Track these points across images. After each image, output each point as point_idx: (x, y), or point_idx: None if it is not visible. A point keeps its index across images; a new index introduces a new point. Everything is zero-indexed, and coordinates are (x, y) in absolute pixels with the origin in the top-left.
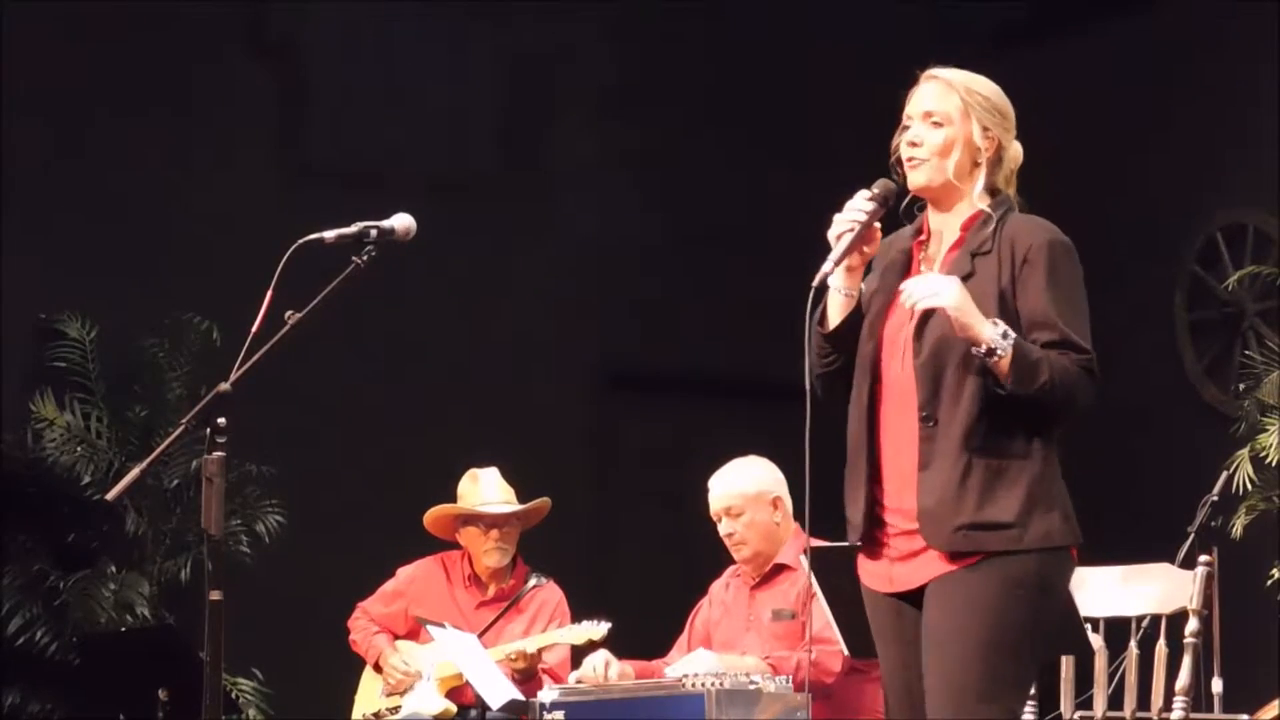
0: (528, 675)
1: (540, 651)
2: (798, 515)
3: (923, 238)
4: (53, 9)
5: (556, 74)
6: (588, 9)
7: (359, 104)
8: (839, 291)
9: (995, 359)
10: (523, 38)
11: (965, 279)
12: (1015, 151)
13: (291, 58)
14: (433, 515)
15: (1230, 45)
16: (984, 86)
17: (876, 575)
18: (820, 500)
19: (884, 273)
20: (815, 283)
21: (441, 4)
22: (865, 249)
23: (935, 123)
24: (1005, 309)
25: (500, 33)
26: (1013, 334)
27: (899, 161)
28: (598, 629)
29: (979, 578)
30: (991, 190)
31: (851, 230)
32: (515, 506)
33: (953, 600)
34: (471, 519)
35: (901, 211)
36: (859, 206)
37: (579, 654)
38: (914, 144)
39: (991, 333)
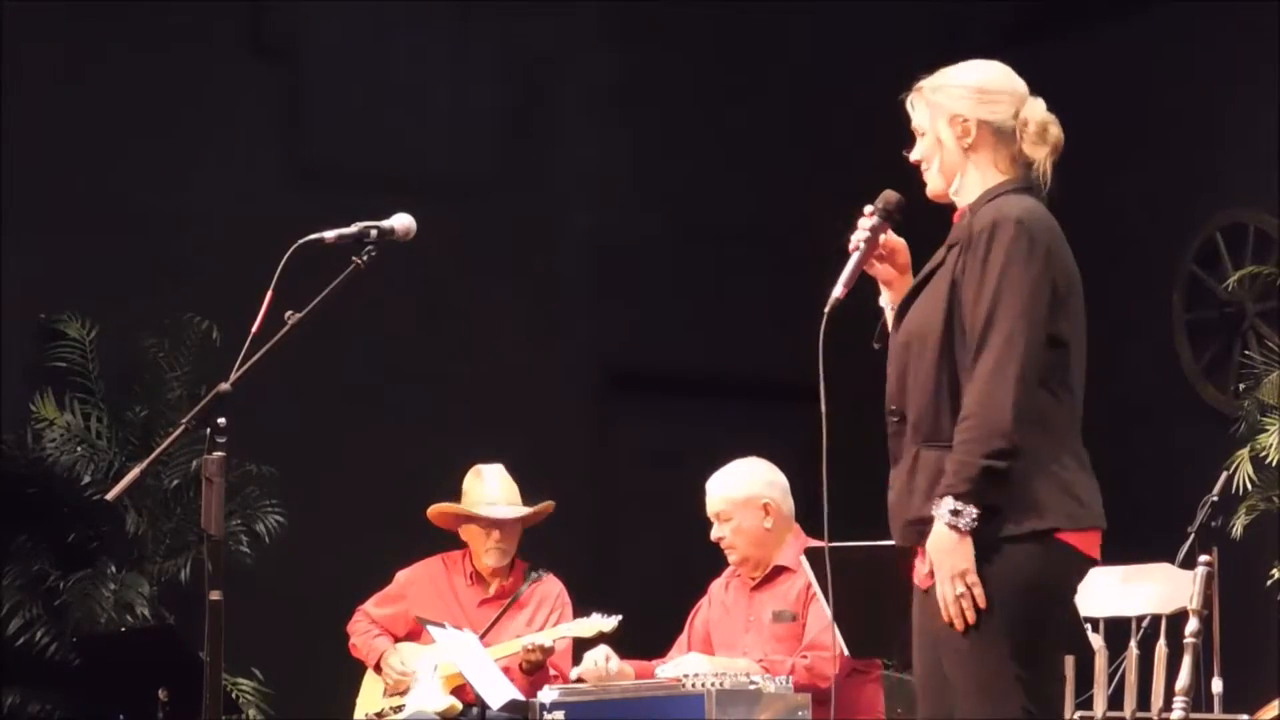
0: (536, 668)
1: (556, 643)
2: (799, 516)
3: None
4: (53, 9)
5: (556, 74)
6: (588, 9)
7: (359, 104)
8: (887, 308)
9: (968, 518)
10: (523, 38)
11: (934, 272)
12: (1028, 112)
13: (292, 58)
14: (435, 512)
15: (1230, 45)
16: (953, 75)
17: (916, 573)
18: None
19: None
20: (827, 309)
21: (442, 4)
22: (878, 264)
23: (921, 135)
24: (955, 297)
25: (500, 33)
26: (947, 505)
27: None
28: (607, 622)
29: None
30: (1014, 164)
31: (857, 249)
32: (519, 509)
33: (930, 607)
34: (473, 519)
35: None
36: (862, 226)
37: (581, 649)
38: (915, 161)
39: (950, 517)
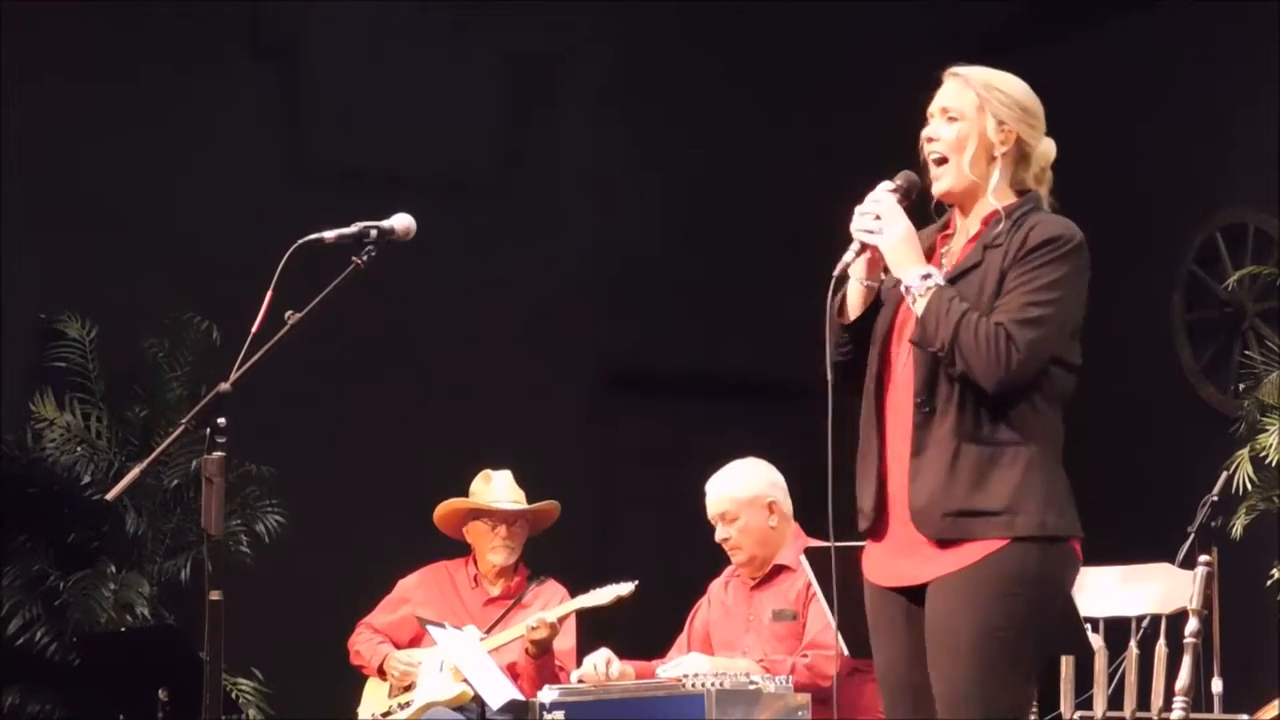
0: (544, 649)
1: (561, 622)
2: (798, 515)
3: (948, 231)
4: (53, 9)
5: (556, 74)
6: (588, 9)
7: (359, 104)
8: (859, 282)
9: (911, 301)
10: (523, 37)
11: (974, 268)
12: (1044, 149)
13: (292, 58)
14: (443, 509)
15: (1230, 44)
16: (1005, 82)
17: (880, 569)
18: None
19: None
20: (836, 272)
21: (441, 4)
22: None
23: (950, 118)
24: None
25: (500, 32)
26: (936, 280)
27: (926, 163)
28: (625, 587)
29: (976, 575)
30: (1019, 189)
31: (878, 220)
32: (526, 506)
33: (952, 600)
34: (481, 514)
35: (933, 209)
36: (879, 198)
37: (585, 648)
38: (930, 139)
39: (913, 274)
